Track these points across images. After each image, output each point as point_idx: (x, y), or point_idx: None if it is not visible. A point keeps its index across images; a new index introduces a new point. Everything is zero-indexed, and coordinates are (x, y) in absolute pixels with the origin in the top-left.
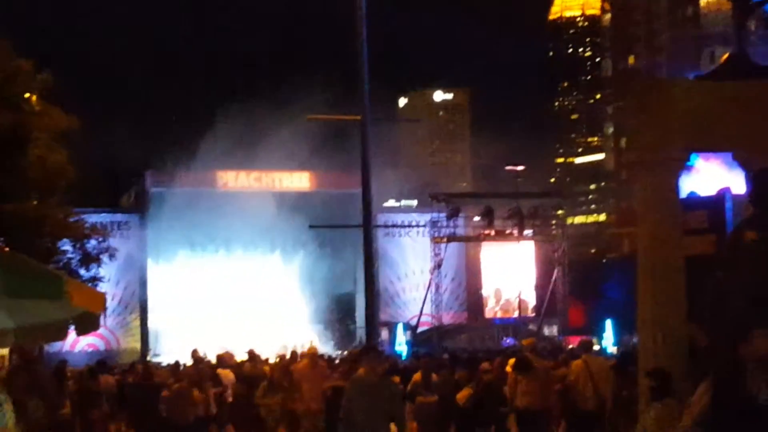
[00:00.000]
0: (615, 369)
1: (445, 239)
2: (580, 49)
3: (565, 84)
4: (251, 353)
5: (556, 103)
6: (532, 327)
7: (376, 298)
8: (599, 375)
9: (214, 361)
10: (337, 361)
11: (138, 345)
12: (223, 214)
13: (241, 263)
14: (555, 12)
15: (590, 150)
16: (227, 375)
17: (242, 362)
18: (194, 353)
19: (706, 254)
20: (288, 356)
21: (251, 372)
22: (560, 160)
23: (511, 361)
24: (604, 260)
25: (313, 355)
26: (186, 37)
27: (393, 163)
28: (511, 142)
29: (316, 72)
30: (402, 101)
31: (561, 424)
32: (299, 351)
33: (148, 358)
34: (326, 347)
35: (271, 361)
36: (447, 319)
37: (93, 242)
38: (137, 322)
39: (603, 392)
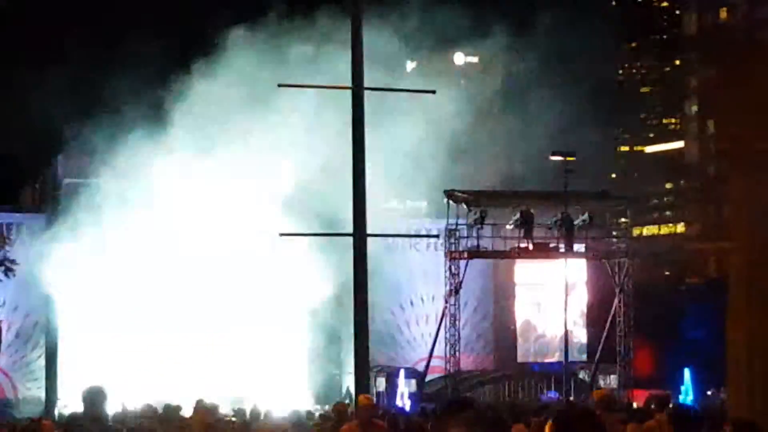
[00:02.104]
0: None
1: (465, 254)
2: None
3: (633, 45)
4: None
5: (621, 72)
6: (582, 376)
7: (369, 335)
8: None
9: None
10: (316, 417)
11: (42, 393)
12: (162, 215)
13: (186, 284)
14: None
15: (666, 136)
16: None
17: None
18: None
19: None
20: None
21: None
22: (625, 148)
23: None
24: (683, 287)
25: (366, 412)
26: None
27: (396, 150)
28: (558, 124)
29: (290, 19)
30: (410, 65)
31: None
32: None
33: (57, 411)
34: (301, 400)
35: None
36: (466, 363)
37: None
38: (41, 362)
39: None
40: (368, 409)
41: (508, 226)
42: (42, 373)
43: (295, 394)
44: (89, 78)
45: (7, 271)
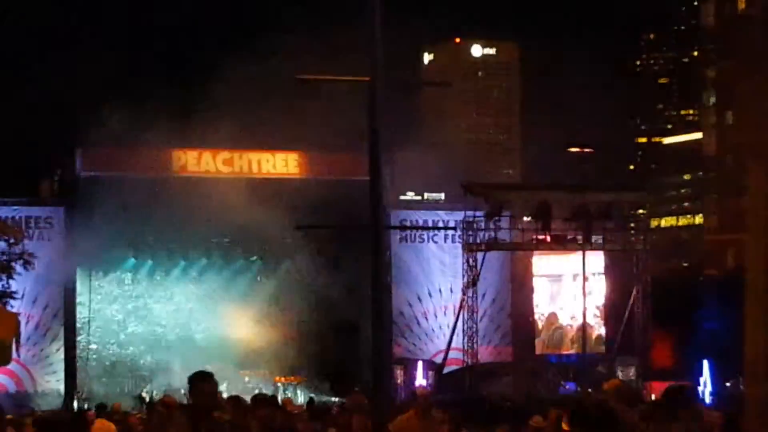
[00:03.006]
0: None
1: (483, 246)
2: None
3: (651, 36)
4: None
5: (639, 63)
6: (601, 368)
7: (387, 327)
8: None
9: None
10: (334, 411)
11: (61, 386)
12: (179, 208)
13: (202, 275)
14: None
15: (684, 127)
16: None
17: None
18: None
19: None
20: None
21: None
22: (642, 140)
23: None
24: (700, 278)
25: (425, 401)
26: None
27: (413, 142)
28: (575, 115)
29: (308, 13)
30: (427, 57)
31: None
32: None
33: (75, 404)
34: (318, 392)
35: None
36: (484, 355)
37: (2, 245)
38: (60, 355)
39: None
40: (427, 399)
41: (525, 218)
42: (61, 366)
43: (313, 384)
44: (109, 69)
45: (26, 264)
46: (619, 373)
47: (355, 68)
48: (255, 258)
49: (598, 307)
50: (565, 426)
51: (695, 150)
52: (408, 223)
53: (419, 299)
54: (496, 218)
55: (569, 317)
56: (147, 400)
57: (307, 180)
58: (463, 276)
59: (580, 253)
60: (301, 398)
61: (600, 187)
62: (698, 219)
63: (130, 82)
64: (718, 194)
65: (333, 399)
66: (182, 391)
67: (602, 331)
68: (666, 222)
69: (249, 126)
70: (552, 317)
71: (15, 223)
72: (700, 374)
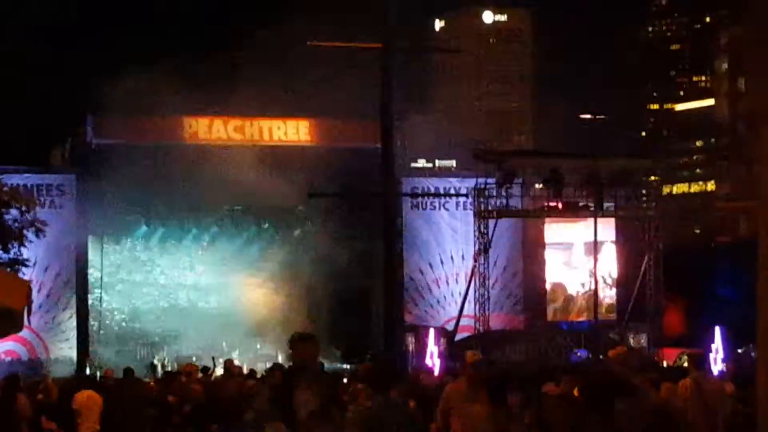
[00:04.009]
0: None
1: (494, 213)
2: None
3: (663, 2)
4: (229, 365)
5: (650, 29)
6: (613, 335)
7: (399, 294)
8: (714, 402)
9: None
10: (345, 380)
11: (73, 353)
12: (191, 176)
13: (214, 243)
14: None
15: (696, 94)
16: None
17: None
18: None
19: None
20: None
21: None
22: (654, 106)
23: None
24: (712, 245)
25: (476, 369)
26: None
27: (425, 110)
28: (587, 82)
29: None
30: (438, 24)
31: None
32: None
33: (87, 371)
34: (330, 360)
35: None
36: (496, 322)
37: (13, 213)
38: (72, 322)
39: (719, 423)
40: (478, 366)
41: (537, 186)
42: (73, 333)
43: (324, 351)
44: (120, 37)
45: (38, 232)
46: (631, 340)
47: (367, 35)
48: (267, 225)
49: (609, 274)
50: (576, 393)
51: (707, 117)
52: (419, 191)
53: (431, 266)
54: (508, 185)
55: (580, 284)
56: (158, 367)
57: (318, 147)
58: (475, 243)
59: (592, 220)
60: None
61: (612, 154)
62: (710, 186)
63: (141, 48)
64: (730, 161)
65: (345, 366)
66: (193, 359)
67: (613, 297)
68: (678, 189)
69: (261, 93)
70: (555, 284)
71: (27, 191)
72: (712, 341)
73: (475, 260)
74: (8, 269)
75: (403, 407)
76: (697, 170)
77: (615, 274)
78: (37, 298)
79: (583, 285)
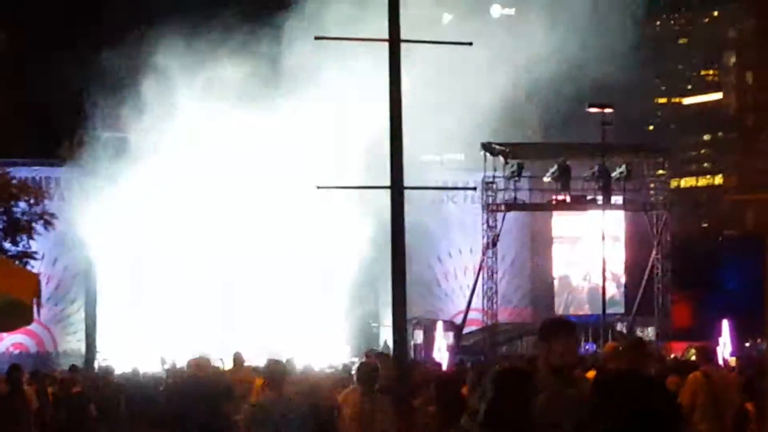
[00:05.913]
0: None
1: (503, 207)
2: None
3: None
4: (238, 358)
5: (658, 23)
6: (620, 328)
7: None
8: (724, 396)
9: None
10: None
11: (81, 346)
12: (200, 167)
13: (224, 238)
14: None
15: (704, 87)
16: None
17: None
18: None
19: None
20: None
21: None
22: (662, 100)
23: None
24: (720, 238)
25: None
26: None
27: (434, 102)
28: (595, 76)
29: None
30: (446, 17)
31: None
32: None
33: (96, 364)
34: (335, 354)
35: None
36: (504, 316)
37: (22, 205)
38: (81, 315)
39: (728, 418)
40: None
41: (545, 179)
42: (81, 326)
43: (333, 346)
44: (125, 30)
45: (47, 225)
46: (639, 333)
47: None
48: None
49: (617, 267)
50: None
51: (715, 110)
52: (428, 184)
53: (439, 260)
54: (516, 178)
55: (588, 278)
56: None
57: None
58: (483, 236)
59: (600, 213)
60: None
61: (620, 147)
62: (718, 179)
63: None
64: (738, 154)
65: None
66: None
67: (621, 290)
68: (686, 182)
69: (266, 84)
70: (562, 277)
71: (35, 184)
72: (720, 334)
73: (483, 253)
74: (17, 262)
75: (292, 402)
76: (705, 164)
77: (623, 267)
78: (45, 290)
79: (591, 277)
